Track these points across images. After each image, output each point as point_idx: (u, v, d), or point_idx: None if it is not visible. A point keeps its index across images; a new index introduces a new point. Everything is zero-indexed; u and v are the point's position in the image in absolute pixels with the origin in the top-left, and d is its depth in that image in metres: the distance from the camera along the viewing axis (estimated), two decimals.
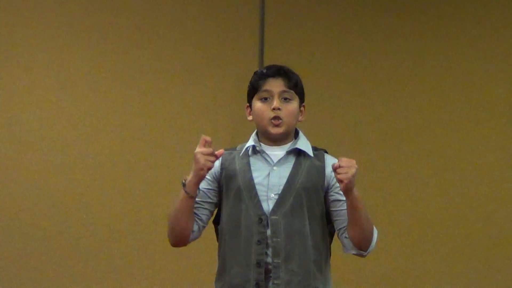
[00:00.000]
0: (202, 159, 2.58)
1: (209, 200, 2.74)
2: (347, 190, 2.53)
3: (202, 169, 2.58)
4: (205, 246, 4.58)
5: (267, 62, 4.61)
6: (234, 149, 2.79)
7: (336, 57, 4.65)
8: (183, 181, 2.63)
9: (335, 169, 2.52)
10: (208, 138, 2.59)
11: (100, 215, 4.55)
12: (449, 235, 4.59)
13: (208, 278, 4.59)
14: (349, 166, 2.50)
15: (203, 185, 2.71)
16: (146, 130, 4.60)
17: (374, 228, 2.67)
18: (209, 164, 2.58)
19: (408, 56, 4.68)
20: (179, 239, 2.75)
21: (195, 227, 2.72)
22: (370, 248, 2.66)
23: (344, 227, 2.67)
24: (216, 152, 2.58)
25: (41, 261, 4.51)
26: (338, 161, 2.53)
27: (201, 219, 2.74)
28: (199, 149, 2.59)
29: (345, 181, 2.50)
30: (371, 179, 4.57)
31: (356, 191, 2.55)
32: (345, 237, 2.66)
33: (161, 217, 4.58)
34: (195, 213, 2.72)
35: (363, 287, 4.59)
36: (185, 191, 2.62)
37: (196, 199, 2.69)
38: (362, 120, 4.62)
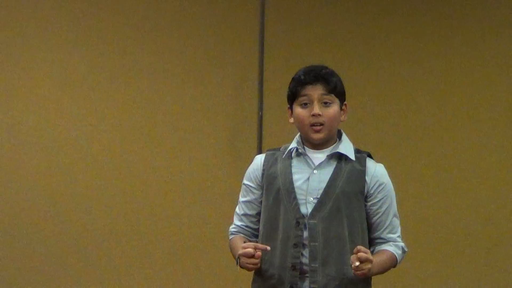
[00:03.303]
0: (244, 263, 2.60)
1: (259, 210, 2.76)
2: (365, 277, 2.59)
3: (247, 269, 2.62)
4: (205, 247, 4.60)
5: (267, 62, 4.61)
6: (278, 149, 2.79)
7: (336, 57, 4.65)
8: (237, 261, 2.65)
9: (353, 265, 2.52)
10: (260, 251, 2.58)
11: (100, 215, 4.55)
12: (449, 235, 4.59)
13: (208, 278, 4.60)
14: (366, 261, 2.51)
15: (250, 196, 2.77)
16: (146, 130, 4.60)
17: (397, 257, 2.72)
18: (251, 267, 2.60)
19: (408, 56, 4.68)
20: None
21: (255, 240, 2.76)
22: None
23: (373, 237, 2.73)
24: (256, 254, 2.57)
25: (41, 261, 4.51)
26: (356, 253, 2.52)
27: (257, 231, 2.78)
28: (241, 252, 2.59)
29: (362, 276, 2.56)
30: None
31: (373, 270, 2.57)
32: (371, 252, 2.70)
33: (161, 217, 4.58)
34: (250, 226, 2.77)
35: None
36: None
37: (247, 211, 2.77)
38: (362, 120, 4.62)
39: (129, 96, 4.61)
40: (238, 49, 4.65)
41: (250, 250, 2.56)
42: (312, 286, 2.61)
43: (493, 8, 4.67)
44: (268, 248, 2.58)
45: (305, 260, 2.62)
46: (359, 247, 2.53)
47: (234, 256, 2.72)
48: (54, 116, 4.56)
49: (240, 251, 2.59)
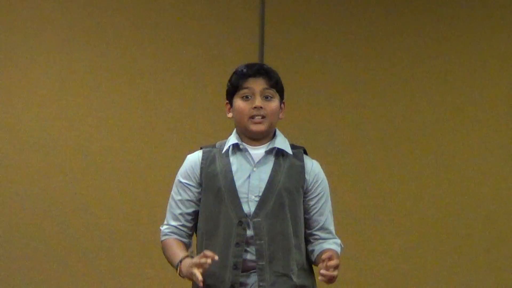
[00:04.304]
0: (188, 271, 2.55)
1: (196, 209, 2.75)
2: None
3: (187, 277, 2.58)
4: None
5: (267, 62, 4.61)
6: (214, 146, 2.77)
7: (336, 57, 4.65)
8: (178, 264, 2.62)
9: (323, 272, 2.51)
10: (209, 257, 2.51)
11: (100, 215, 4.55)
12: (449, 235, 4.60)
13: None
14: (335, 267, 2.51)
15: (187, 195, 2.75)
16: (146, 130, 4.60)
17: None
18: (190, 276, 2.53)
19: (408, 56, 4.68)
20: None
21: (188, 241, 2.76)
22: None
23: (309, 233, 2.72)
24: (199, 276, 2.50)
25: (41, 261, 4.51)
26: (325, 261, 2.51)
27: (191, 230, 2.76)
28: (194, 261, 2.53)
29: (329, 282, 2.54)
30: (371, 179, 4.57)
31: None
32: (310, 249, 2.72)
33: (161, 217, 4.56)
34: (186, 226, 2.75)
35: (363, 287, 4.59)
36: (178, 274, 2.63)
37: (185, 210, 2.75)
38: (362, 120, 4.62)
39: (129, 96, 4.61)
40: (238, 49, 4.65)
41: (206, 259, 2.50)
42: (261, 284, 2.60)
43: (493, 8, 4.67)
44: (216, 257, 2.50)
45: (250, 256, 2.61)
46: (327, 254, 2.52)
47: (171, 261, 2.68)
48: (54, 116, 4.56)
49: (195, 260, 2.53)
